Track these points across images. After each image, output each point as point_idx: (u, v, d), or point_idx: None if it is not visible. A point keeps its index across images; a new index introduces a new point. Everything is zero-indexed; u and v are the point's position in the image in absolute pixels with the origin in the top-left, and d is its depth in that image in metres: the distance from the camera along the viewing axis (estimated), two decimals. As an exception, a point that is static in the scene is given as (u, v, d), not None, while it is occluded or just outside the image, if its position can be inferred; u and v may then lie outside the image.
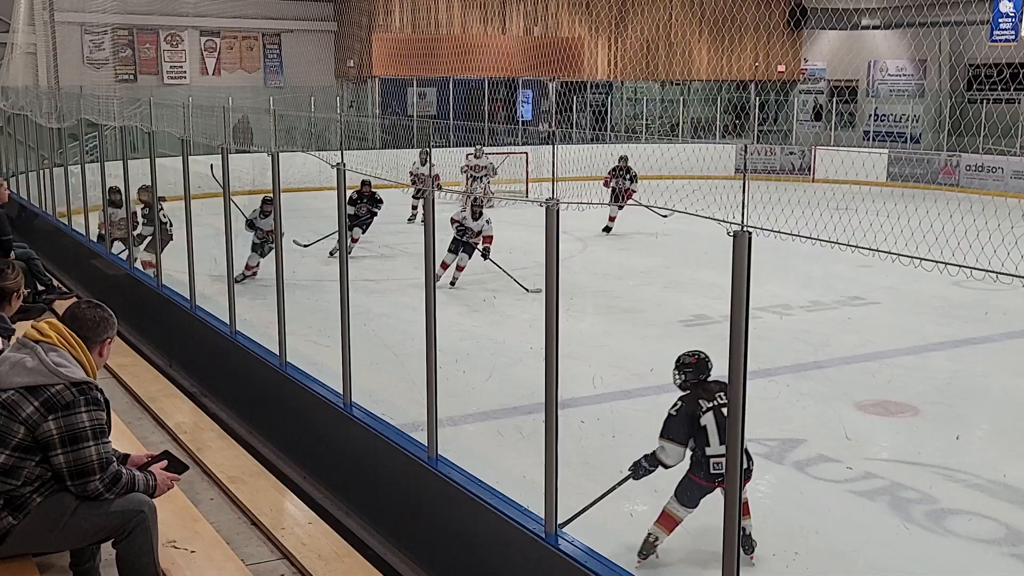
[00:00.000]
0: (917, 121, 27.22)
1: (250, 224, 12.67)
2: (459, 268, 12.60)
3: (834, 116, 28.30)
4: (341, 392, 6.55)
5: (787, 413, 7.94)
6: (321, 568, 4.68)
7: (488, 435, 7.58)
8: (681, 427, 5.29)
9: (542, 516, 4.71)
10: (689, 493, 5.37)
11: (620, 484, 5.48)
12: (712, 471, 5.20)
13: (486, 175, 20.50)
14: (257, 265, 12.74)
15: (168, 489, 3.94)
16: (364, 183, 14.33)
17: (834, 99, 28.65)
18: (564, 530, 4.68)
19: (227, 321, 8.22)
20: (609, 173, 17.43)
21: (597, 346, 9.41)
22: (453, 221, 12.57)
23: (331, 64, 27.23)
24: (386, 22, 26.23)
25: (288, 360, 7.26)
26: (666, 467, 5.33)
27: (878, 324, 11.10)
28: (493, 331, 10.54)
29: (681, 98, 29.35)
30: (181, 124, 9.12)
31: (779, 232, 3.80)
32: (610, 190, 17.10)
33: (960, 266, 3.60)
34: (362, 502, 6.32)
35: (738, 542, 3.84)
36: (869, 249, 3.91)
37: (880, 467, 6.96)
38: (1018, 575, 5.68)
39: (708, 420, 5.25)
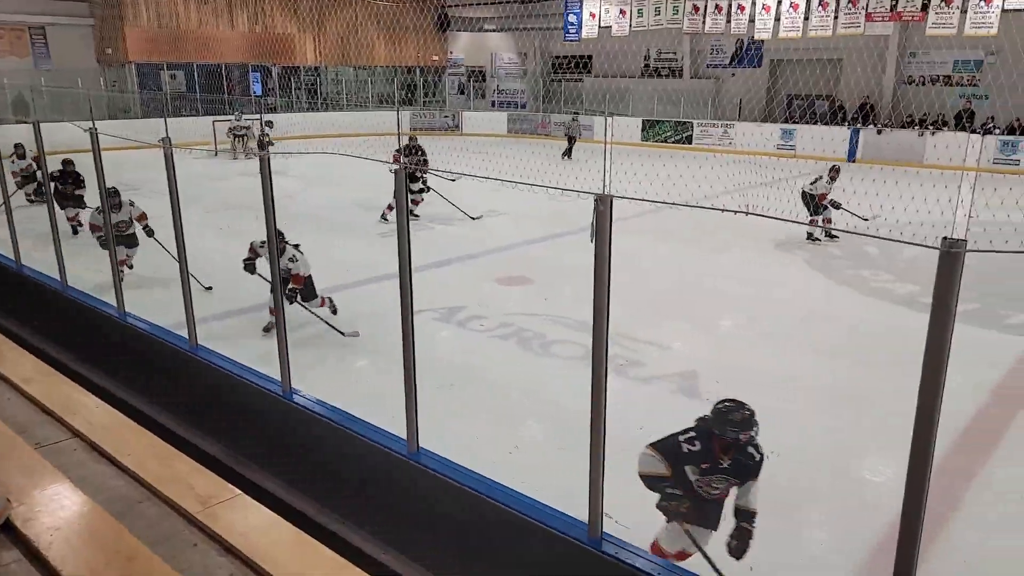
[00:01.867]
0: (523, 94, 28.21)
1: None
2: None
3: (471, 91, 28.54)
4: (116, 305, 5.70)
5: (453, 289, 8.01)
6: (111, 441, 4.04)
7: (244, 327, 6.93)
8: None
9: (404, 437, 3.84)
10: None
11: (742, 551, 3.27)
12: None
13: (247, 134, 19.30)
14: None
15: None
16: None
17: (471, 79, 28.83)
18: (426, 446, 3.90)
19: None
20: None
21: (321, 252, 8.90)
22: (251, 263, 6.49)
23: (92, 51, 23.10)
24: (135, 17, 22.59)
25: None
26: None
27: (506, 228, 11.46)
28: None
29: (369, 79, 28.19)
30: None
31: (435, 172, 3.68)
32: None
33: (548, 187, 3.72)
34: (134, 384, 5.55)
35: None
36: (500, 180, 3.97)
37: (510, 319, 7.23)
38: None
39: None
